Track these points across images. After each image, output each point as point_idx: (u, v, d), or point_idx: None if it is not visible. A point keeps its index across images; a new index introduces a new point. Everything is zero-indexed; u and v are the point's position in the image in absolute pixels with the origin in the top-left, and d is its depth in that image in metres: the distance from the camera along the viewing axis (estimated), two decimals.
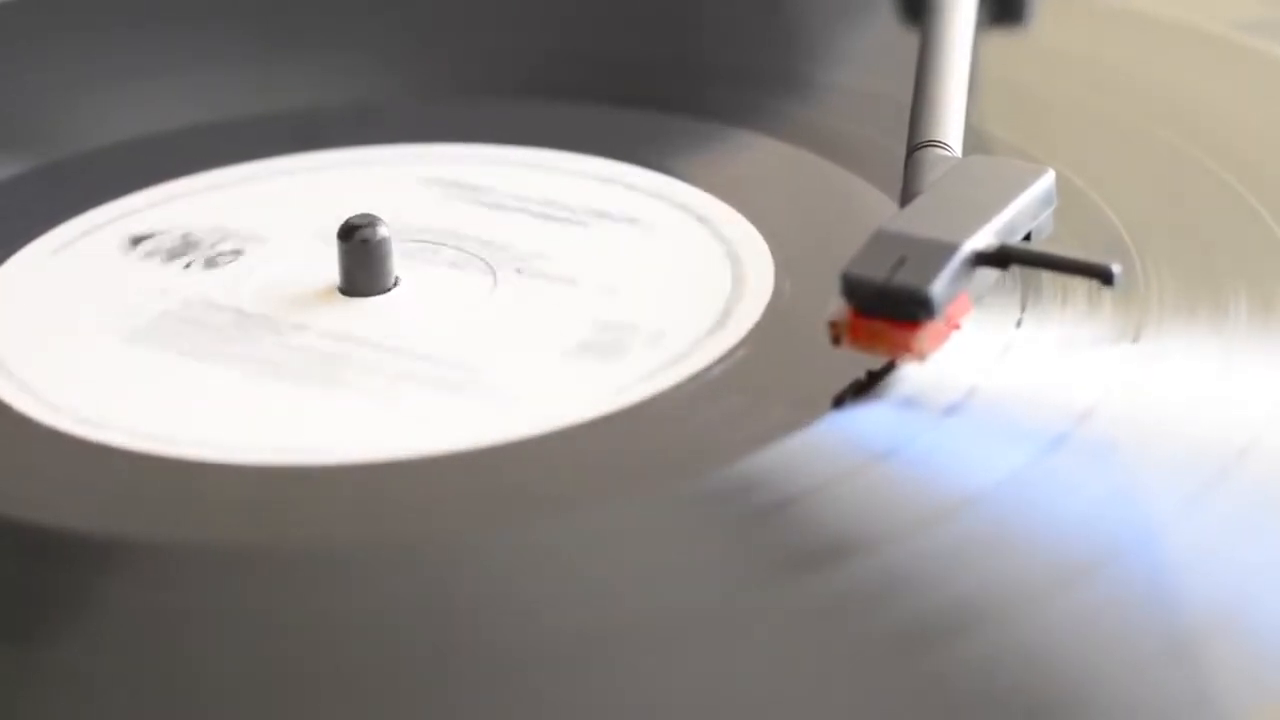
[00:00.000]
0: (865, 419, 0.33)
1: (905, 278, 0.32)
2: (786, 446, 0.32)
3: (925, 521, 0.31)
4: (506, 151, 0.42)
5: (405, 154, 0.43)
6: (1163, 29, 0.46)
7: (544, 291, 0.37)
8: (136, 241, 0.40)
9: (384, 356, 0.35)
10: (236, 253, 0.39)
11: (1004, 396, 0.33)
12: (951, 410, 0.33)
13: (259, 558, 0.31)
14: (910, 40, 0.42)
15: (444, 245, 0.39)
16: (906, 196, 0.36)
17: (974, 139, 0.39)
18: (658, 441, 0.33)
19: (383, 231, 0.37)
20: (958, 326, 0.33)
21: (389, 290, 0.37)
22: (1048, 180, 0.35)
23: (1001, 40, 0.46)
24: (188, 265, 0.39)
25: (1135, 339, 0.35)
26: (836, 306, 0.33)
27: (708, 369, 0.34)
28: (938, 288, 0.32)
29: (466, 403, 0.34)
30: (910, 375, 0.33)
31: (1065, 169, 0.38)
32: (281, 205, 0.41)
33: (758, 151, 0.42)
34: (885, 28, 0.47)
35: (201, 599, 0.30)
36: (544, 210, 0.40)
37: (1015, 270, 0.35)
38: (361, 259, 0.37)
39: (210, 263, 0.39)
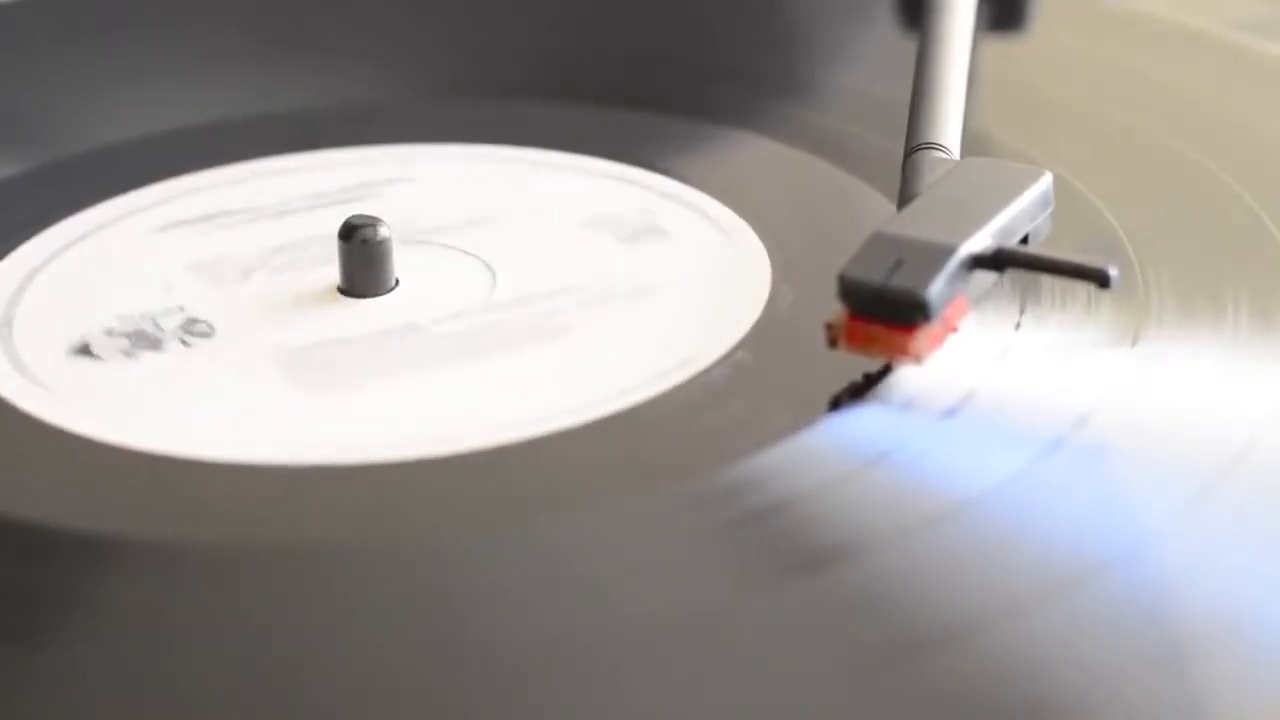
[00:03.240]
0: (862, 422, 0.33)
1: (902, 280, 0.32)
2: (784, 449, 0.32)
3: (923, 524, 0.30)
4: (504, 151, 0.42)
5: (397, 154, 0.43)
6: (1161, 29, 0.46)
7: (542, 291, 0.37)
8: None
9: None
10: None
11: (1002, 400, 0.33)
12: (949, 413, 0.33)
13: (259, 558, 0.31)
14: (909, 42, 0.42)
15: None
16: (904, 199, 0.36)
17: (972, 141, 0.39)
18: (657, 443, 0.33)
19: (383, 232, 0.37)
20: (955, 329, 0.33)
21: (389, 290, 0.37)
22: (1045, 183, 0.35)
23: (1000, 42, 0.46)
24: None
25: (1134, 342, 0.34)
26: (833, 309, 0.33)
27: (706, 371, 0.34)
28: (934, 290, 0.32)
29: (466, 403, 0.34)
30: (909, 378, 0.33)
31: (1064, 171, 0.38)
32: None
33: (756, 153, 0.42)
34: (884, 29, 0.47)
35: (201, 599, 0.30)
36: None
37: (1014, 273, 0.35)
38: (362, 259, 0.37)
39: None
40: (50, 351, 0.36)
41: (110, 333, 0.37)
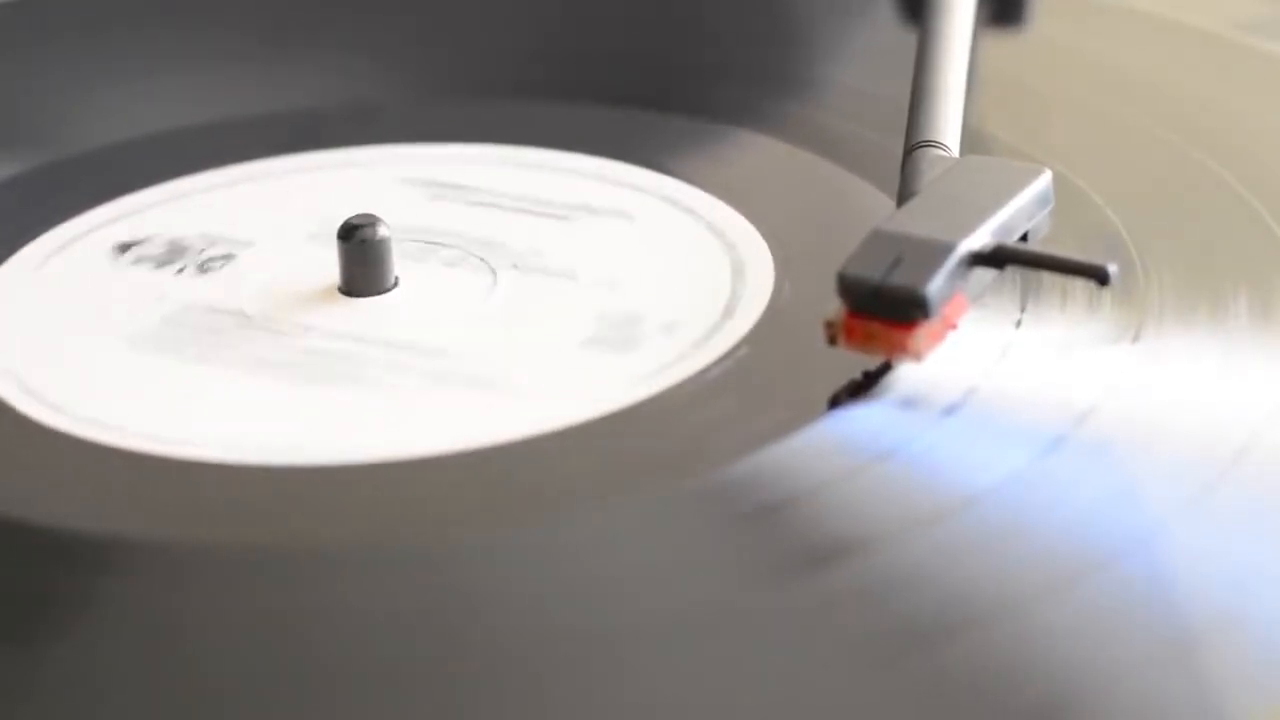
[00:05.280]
0: (862, 420, 0.33)
1: (901, 278, 0.32)
2: (785, 446, 0.32)
3: (924, 521, 0.30)
4: (503, 151, 0.42)
5: (401, 154, 0.43)
6: (1162, 28, 0.46)
7: (543, 291, 0.37)
8: (126, 247, 0.40)
9: (384, 356, 0.35)
10: (228, 257, 0.39)
11: (1003, 397, 0.33)
12: (951, 410, 0.33)
13: (259, 558, 0.31)
14: (909, 39, 0.42)
15: (442, 245, 0.39)
16: (903, 196, 0.36)
17: (972, 139, 0.39)
18: (657, 441, 0.33)
19: (383, 231, 0.37)
20: (954, 326, 0.33)
21: (389, 290, 0.37)
22: (1044, 180, 0.35)
23: (1000, 39, 0.46)
24: (180, 270, 0.39)
25: (1135, 339, 0.34)
26: (833, 306, 0.33)
27: (707, 369, 0.34)
28: (933, 288, 0.32)
29: (466, 403, 0.34)
30: (910, 375, 0.33)
31: (1065, 169, 0.38)
32: (275, 207, 0.41)
33: (757, 151, 0.42)
34: (884, 26, 0.47)
35: (201, 599, 0.30)
36: (542, 210, 0.40)
37: (1016, 270, 0.35)
38: (361, 259, 0.37)
39: (202, 267, 0.39)
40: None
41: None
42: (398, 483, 0.32)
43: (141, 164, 0.42)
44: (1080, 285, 0.35)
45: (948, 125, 0.37)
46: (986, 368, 0.34)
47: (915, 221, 0.34)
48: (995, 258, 0.33)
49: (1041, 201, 0.35)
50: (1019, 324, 0.35)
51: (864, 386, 0.33)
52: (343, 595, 0.30)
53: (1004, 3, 0.47)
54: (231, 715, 0.28)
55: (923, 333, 0.32)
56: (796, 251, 0.38)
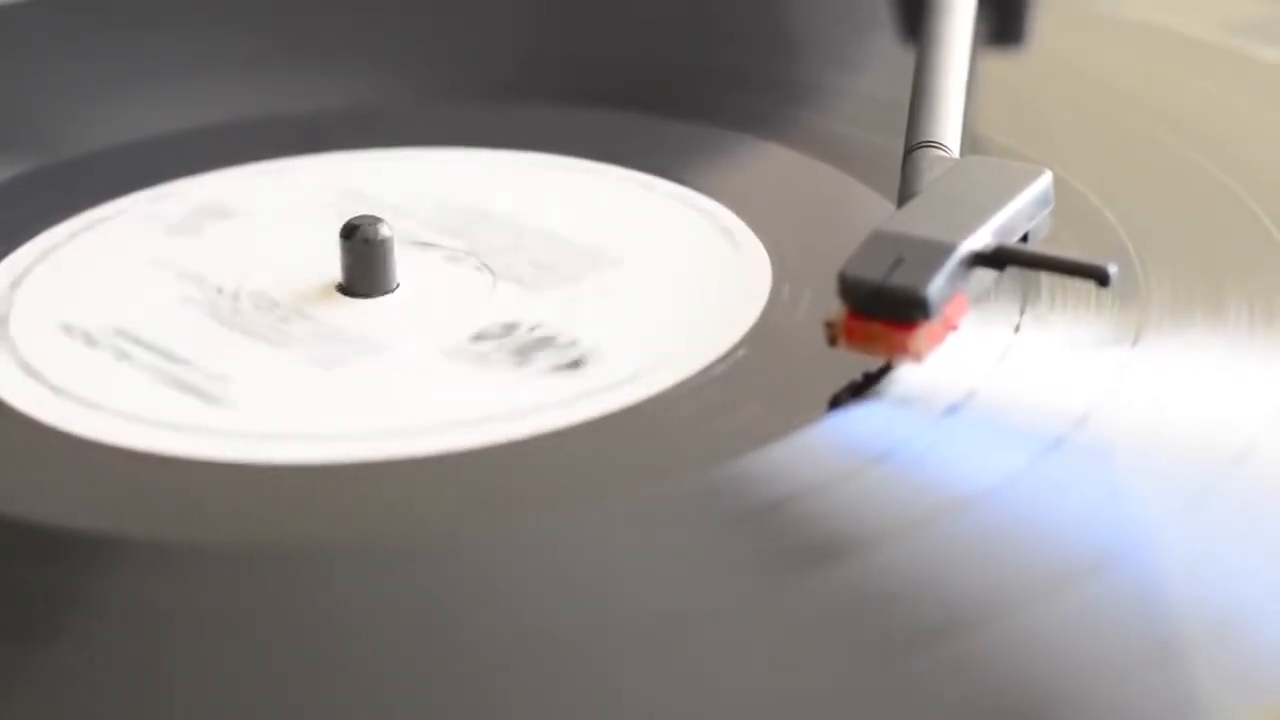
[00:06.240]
0: (862, 420, 0.33)
1: (901, 278, 0.32)
2: (785, 447, 0.32)
3: (923, 523, 0.30)
4: (504, 155, 0.42)
5: (400, 157, 0.43)
6: (1159, 33, 0.46)
7: (541, 292, 0.37)
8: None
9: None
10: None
11: (1003, 398, 0.33)
12: (950, 411, 0.33)
13: (259, 558, 0.31)
14: (910, 46, 0.42)
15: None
16: (904, 197, 0.36)
17: (972, 143, 0.39)
18: (656, 442, 0.33)
19: (384, 231, 0.37)
20: (955, 327, 0.33)
21: (390, 290, 0.37)
22: (1045, 181, 0.35)
23: (999, 53, 0.46)
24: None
25: (1135, 341, 0.34)
26: (833, 307, 0.33)
27: (707, 369, 0.34)
28: (934, 288, 0.32)
29: (466, 402, 0.34)
30: (910, 376, 0.33)
31: (1065, 172, 0.38)
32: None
33: (755, 154, 0.42)
34: (884, 32, 0.47)
35: (201, 599, 0.30)
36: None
37: (1015, 272, 0.35)
38: (363, 259, 0.37)
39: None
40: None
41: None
42: (397, 482, 0.32)
43: (142, 166, 0.42)
44: (1080, 287, 0.35)
45: (948, 125, 0.37)
46: (986, 369, 0.34)
47: (916, 222, 0.34)
48: (996, 258, 0.33)
49: (1042, 202, 0.35)
50: (1018, 326, 0.35)
51: (864, 387, 0.33)
52: (342, 595, 0.30)
53: (1004, 21, 0.47)
54: (230, 715, 0.28)
55: (923, 333, 0.32)
56: (796, 254, 0.38)
